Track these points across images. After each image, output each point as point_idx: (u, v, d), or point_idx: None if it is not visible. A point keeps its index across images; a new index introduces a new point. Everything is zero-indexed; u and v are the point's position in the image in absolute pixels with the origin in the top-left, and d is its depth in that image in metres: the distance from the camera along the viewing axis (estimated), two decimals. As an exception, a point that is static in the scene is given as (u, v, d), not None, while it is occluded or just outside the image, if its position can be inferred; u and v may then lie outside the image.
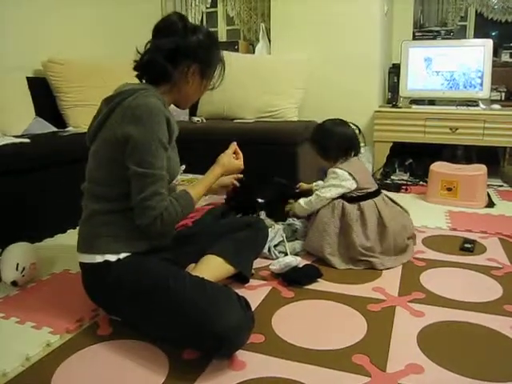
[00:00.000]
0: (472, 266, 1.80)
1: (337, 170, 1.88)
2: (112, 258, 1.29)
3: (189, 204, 1.34)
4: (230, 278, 1.56)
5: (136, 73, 1.39)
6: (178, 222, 1.34)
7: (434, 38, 3.89)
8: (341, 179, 1.86)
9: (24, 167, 2.10)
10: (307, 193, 2.10)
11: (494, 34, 4.39)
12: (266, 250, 1.86)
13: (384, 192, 1.98)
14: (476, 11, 4.48)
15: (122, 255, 1.30)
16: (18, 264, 1.62)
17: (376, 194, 1.90)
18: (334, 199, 1.87)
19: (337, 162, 1.91)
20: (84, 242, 1.35)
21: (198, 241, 1.55)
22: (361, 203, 1.84)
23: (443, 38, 3.84)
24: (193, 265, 1.49)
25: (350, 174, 1.86)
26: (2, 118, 2.59)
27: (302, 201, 1.99)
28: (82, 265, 1.36)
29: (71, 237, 2.17)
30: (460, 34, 4.37)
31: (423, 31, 4.10)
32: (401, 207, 1.99)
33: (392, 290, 1.61)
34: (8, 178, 2.02)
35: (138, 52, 1.38)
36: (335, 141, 1.90)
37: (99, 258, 1.30)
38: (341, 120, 1.99)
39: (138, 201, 1.23)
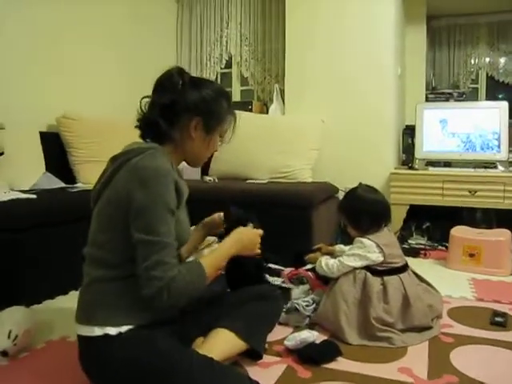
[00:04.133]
0: (507, 344, 1.63)
1: (364, 241, 1.77)
2: (112, 331, 1.17)
3: (200, 276, 1.20)
4: (242, 353, 1.41)
5: (139, 132, 1.33)
6: (189, 296, 1.18)
7: (447, 99, 3.90)
8: (367, 250, 1.74)
9: (27, 224, 2.02)
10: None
11: (504, 96, 4.42)
12: (288, 305, 1.80)
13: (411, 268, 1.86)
14: (487, 74, 4.54)
15: (124, 328, 1.17)
16: (10, 331, 1.49)
17: (403, 269, 1.78)
18: (356, 268, 1.75)
19: (367, 231, 1.80)
20: (83, 312, 1.23)
21: (208, 312, 1.42)
22: (385, 278, 1.72)
23: (456, 100, 3.84)
24: (201, 339, 1.35)
25: (378, 245, 1.74)
26: (12, 172, 2.56)
27: (324, 260, 1.85)
28: (80, 338, 1.23)
29: (73, 299, 2.03)
30: (472, 96, 4.40)
31: (436, 93, 4.13)
32: (429, 284, 1.86)
33: (420, 371, 1.44)
34: (9, 234, 1.94)
35: (141, 110, 1.32)
36: (368, 209, 1.80)
37: (98, 331, 1.17)
38: (372, 187, 1.90)
39: (142, 270, 1.11)
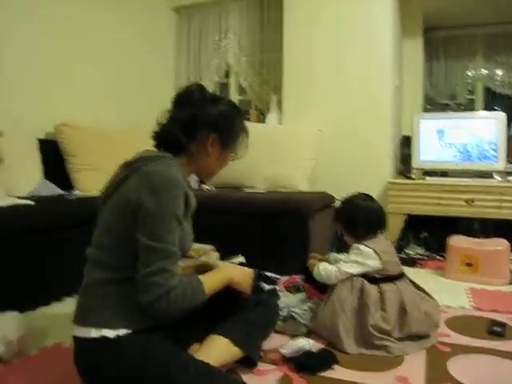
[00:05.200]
0: (505, 354, 1.62)
1: (362, 247, 1.76)
2: (110, 333, 1.16)
3: (199, 291, 1.22)
4: (237, 361, 1.40)
5: (154, 143, 1.36)
6: (185, 308, 1.18)
7: (444, 110, 3.93)
8: (365, 257, 1.74)
9: (24, 230, 2.02)
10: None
11: (501, 107, 4.43)
12: (285, 313, 1.79)
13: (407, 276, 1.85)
14: (484, 85, 4.57)
15: (122, 332, 1.17)
16: (3, 337, 1.48)
17: (399, 277, 1.78)
18: (353, 275, 1.74)
19: (364, 238, 1.80)
20: (80, 313, 1.23)
21: (204, 319, 1.41)
22: (382, 285, 1.71)
23: (453, 111, 3.87)
24: (197, 345, 1.35)
25: (375, 252, 1.74)
26: (9, 178, 2.55)
27: (321, 266, 1.83)
28: (76, 339, 1.22)
29: (67, 305, 2.03)
30: (469, 107, 4.43)
31: (433, 104, 4.15)
32: (425, 292, 1.85)
33: (417, 380, 1.43)
34: (5, 241, 1.93)
35: (158, 122, 1.34)
36: (364, 216, 1.80)
37: (95, 333, 1.16)
38: (366, 195, 1.91)
39: (143, 275, 1.12)
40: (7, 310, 1.64)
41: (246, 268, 1.48)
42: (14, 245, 1.97)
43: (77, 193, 2.79)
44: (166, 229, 1.14)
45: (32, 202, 2.24)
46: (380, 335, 1.63)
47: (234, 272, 1.41)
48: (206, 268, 1.51)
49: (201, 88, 1.35)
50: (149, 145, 1.37)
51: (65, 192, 2.77)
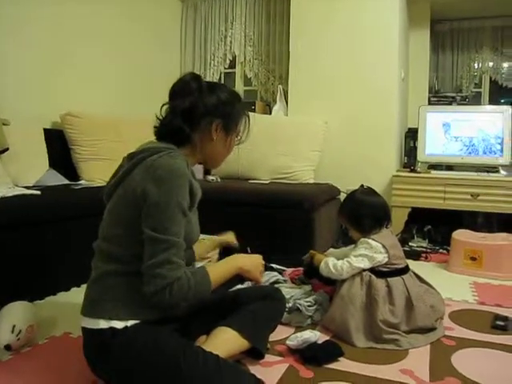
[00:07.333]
0: (508, 348, 1.63)
1: (370, 241, 1.76)
2: (118, 325, 1.17)
3: (204, 282, 1.22)
4: (244, 352, 1.41)
5: (156, 137, 1.35)
6: (190, 300, 1.18)
7: (450, 103, 3.90)
8: (373, 251, 1.74)
9: (31, 220, 2.03)
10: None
11: (507, 100, 4.41)
12: (290, 305, 1.80)
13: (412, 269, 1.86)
14: (490, 78, 4.54)
15: (130, 323, 1.18)
16: (14, 326, 1.49)
17: (405, 270, 1.79)
18: (363, 270, 1.75)
19: (369, 233, 1.80)
20: (89, 305, 1.24)
21: (211, 310, 1.43)
22: (389, 279, 1.72)
23: (458, 104, 3.84)
24: (204, 337, 1.36)
25: (383, 246, 1.74)
26: (16, 168, 2.56)
27: (331, 262, 1.80)
28: (85, 330, 1.24)
29: (75, 296, 2.06)
30: (475, 99, 4.40)
31: (438, 96, 4.13)
32: (429, 285, 1.86)
33: (422, 373, 1.45)
34: (13, 231, 1.95)
35: (157, 118, 1.34)
36: (368, 211, 1.81)
37: (104, 324, 1.18)
38: (370, 188, 1.91)
39: (148, 267, 1.13)
40: (16, 299, 1.65)
41: (256, 255, 1.47)
42: (21, 235, 1.99)
43: (83, 183, 2.80)
44: (170, 220, 1.15)
45: (38, 192, 2.25)
46: (389, 329, 1.64)
47: (244, 261, 1.39)
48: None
49: (196, 77, 1.34)
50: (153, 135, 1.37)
51: (71, 182, 2.78)
